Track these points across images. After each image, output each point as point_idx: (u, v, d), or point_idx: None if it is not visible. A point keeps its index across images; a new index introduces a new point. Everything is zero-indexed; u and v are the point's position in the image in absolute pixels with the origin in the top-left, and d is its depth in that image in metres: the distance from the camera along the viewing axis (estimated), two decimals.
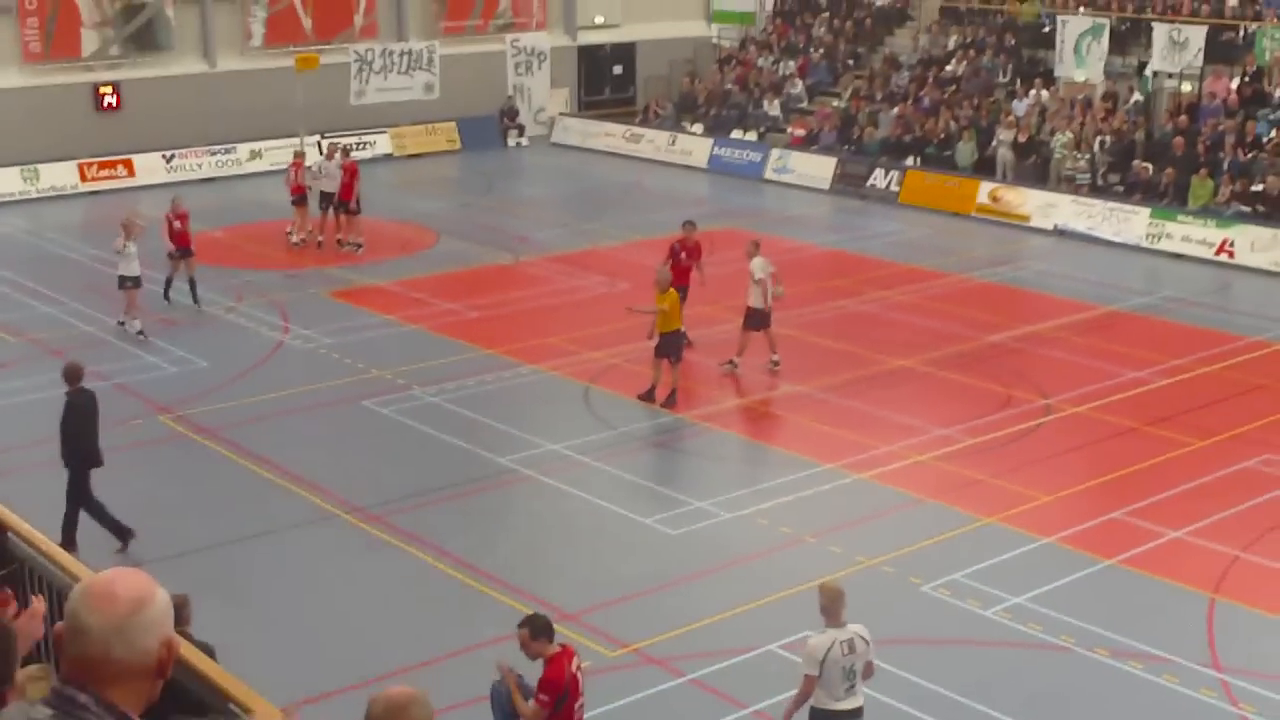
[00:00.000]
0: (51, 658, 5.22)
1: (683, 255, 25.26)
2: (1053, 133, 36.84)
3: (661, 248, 26.20)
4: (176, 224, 27.53)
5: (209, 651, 5.95)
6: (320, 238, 32.67)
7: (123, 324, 26.17)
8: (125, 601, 3.32)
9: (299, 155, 33.22)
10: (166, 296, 27.68)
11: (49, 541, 8.67)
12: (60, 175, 39.33)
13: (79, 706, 3.33)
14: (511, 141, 46.56)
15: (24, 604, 7.88)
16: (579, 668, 11.55)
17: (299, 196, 32.57)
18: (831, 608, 11.83)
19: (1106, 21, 37.91)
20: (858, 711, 11.88)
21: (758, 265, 23.81)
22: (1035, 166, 36.84)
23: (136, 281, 25.88)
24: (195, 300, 27.64)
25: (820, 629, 11.91)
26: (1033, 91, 39.03)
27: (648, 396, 22.47)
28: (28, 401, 22.63)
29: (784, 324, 25.33)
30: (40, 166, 38.97)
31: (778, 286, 23.90)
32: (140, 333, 25.85)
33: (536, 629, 11.41)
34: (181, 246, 27.57)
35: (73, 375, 17.62)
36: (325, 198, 32.57)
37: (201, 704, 4.93)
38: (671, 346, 22.41)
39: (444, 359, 24.81)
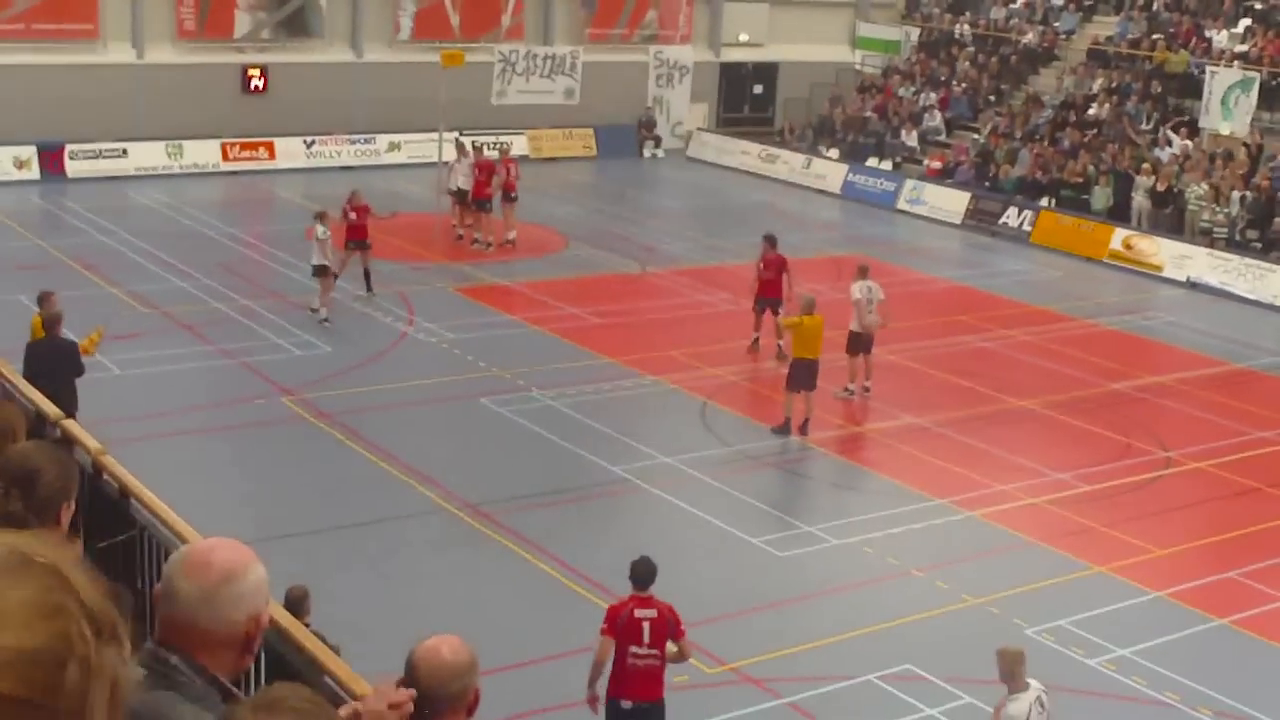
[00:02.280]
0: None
1: (761, 267, 25.84)
2: (1190, 184, 36.33)
3: (792, 269, 26.19)
4: (353, 215, 27.91)
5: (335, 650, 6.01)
6: (472, 233, 33.07)
7: (315, 310, 26.43)
8: (217, 571, 3.36)
9: (480, 151, 33.58)
10: (369, 289, 27.98)
11: (169, 509, 8.87)
12: (203, 153, 40.05)
13: (170, 667, 3.39)
14: (647, 152, 46.76)
15: (145, 571, 8.06)
16: (648, 619, 12.14)
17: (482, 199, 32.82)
18: (1014, 670, 11.84)
19: (1257, 76, 37.35)
20: None
21: (856, 288, 23.78)
22: (1172, 216, 36.35)
23: (326, 270, 26.25)
24: (369, 289, 27.98)
25: (1008, 695, 11.82)
26: (1176, 140, 38.52)
27: (783, 430, 22.15)
28: (155, 373, 23.09)
29: (906, 355, 25.25)
30: (185, 143, 39.73)
31: (873, 314, 23.73)
32: (325, 320, 26.14)
33: (630, 574, 12.41)
34: (358, 239, 27.92)
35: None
36: (459, 194, 32.88)
37: (302, 680, 5.02)
38: (805, 376, 22.12)
39: (564, 363, 24.95)
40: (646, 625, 12.16)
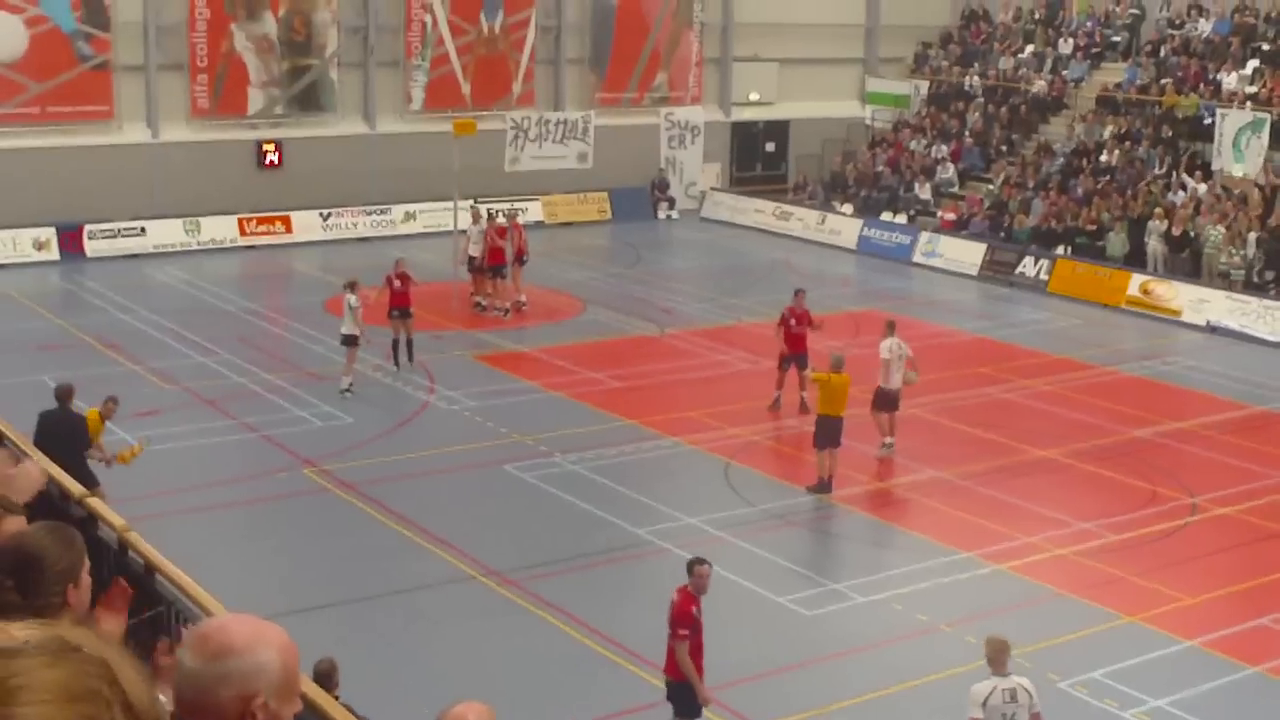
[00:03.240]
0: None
1: (793, 322, 25.66)
2: (1205, 228, 36.33)
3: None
4: (397, 283, 27.96)
5: None
6: (482, 300, 33.13)
7: (345, 391, 26.21)
8: (213, 647, 3.22)
9: (493, 218, 33.62)
10: (395, 362, 27.95)
11: (195, 584, 8.88)
12: (220, 229, 40.29)
13: None
14: (661, 214, 46.93)
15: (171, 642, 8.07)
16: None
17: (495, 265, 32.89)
18: (996, 658, 12.59)
19: (1268, 117, 37.38)
20: None
21: (884, 346, 23.75)
22: (1188, 260, 36.34)
23: (355, 340, 26.21)
24: (410, 359, 27.98)
25: (986, 677, 12.52)
26: (1189, 184, 38.55)
27: (821, 489, 22.05)
28: (179, 449, 23.13)
29: (926, 408, 25.22)
30: (202, 219, 39.99)
31: (911, 372, 23.77)
32: (347, 390, 26.13)
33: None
34: (400, 306, 27.92)
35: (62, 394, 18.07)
36: (471, 261, 32.98)
37: None
38: (830, 434, 22.03)
39: (586, 427, 24.97)
40: (671, 608, 13.94)
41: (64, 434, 17.20)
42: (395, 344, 28.05)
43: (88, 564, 4.59)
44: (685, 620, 13.75)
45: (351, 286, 26.37)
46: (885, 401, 23.71)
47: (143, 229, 39.33)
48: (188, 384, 26.83)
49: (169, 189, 39.81)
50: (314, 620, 16.67)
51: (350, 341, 26.28)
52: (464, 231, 33.51)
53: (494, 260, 32.76)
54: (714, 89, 49.74)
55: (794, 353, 25.67)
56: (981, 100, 47.59)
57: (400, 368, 27.93)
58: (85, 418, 18.31)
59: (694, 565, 14.10)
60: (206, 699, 3.18)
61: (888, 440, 23.75)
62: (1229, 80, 41.37)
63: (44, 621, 2.28)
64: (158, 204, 39.68)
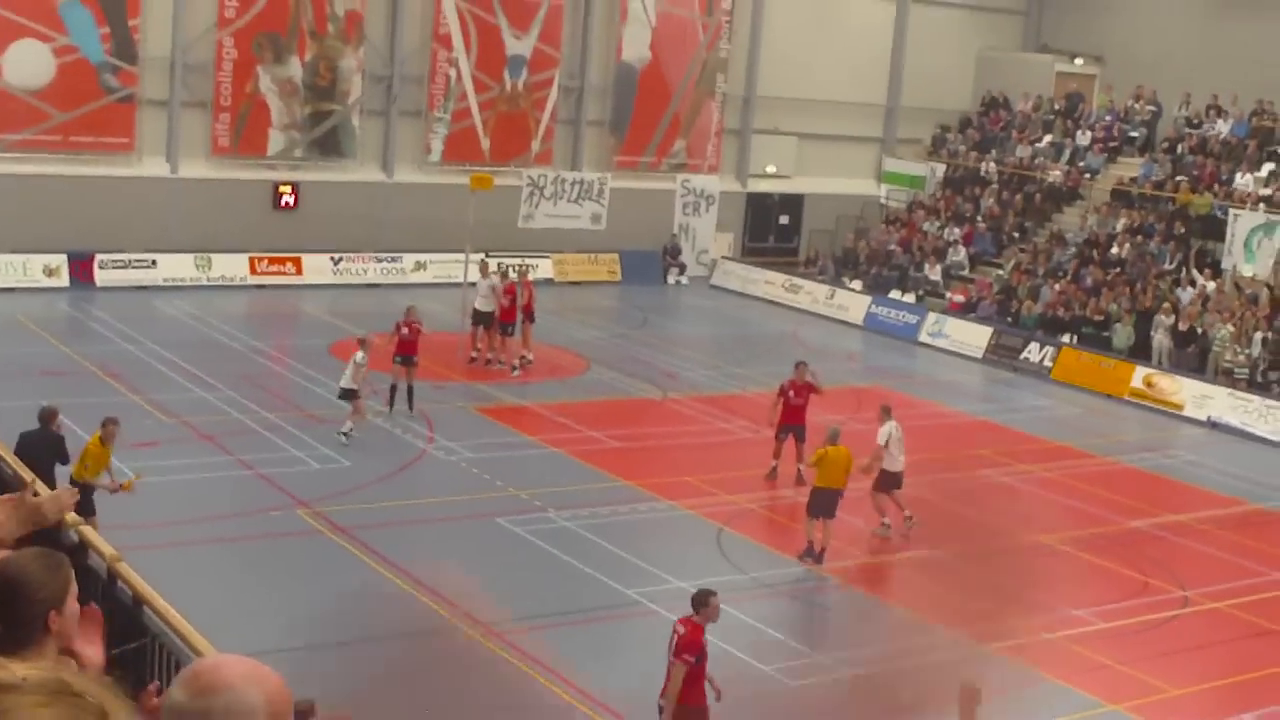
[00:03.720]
0: None
1: (791, 394, 25.67)
2: (1214, 325, 36.41)
3: (811, 399, 26.19)
4: (405, 331, 28.06)
5: None
6: (489, 355, 33.03)
7: (345, 435, 25.89)
8: (201, 684, 3.20)
9: (505, 275, 33.57)
10: (390, 405, 27.93)
11: (181, 618, 8.89)
12: (231, 266, 40.43)
13: None
14: (671, 279, 47.06)
15: (159, 679, 8.06)
16: (676, 634, 14.83)
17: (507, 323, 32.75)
18: (965, 706, 13.61)
19: None
20: None
21: (882, 432, 23.57)
22: (1194, 356, 36.40)
23: (355, 394, 26.11)
24: (410, 407, 28.00)
25: None
26: (1198, 281, 38.66)
27: (810, 557, 22.04)
28: (174, 482, 23.13)
29: (924, 488, 25.17)
30: (214, 256, 40.14)
31: (901, 455, 23.64)
32: (345, 434, 25.85)
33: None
34: (405, 354, 28.02)
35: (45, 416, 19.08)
36: (480, 316, 32.91)
37: None
38: (824, 505, 22.06)
39: (582, 485, 24.95)
40: (674, 638, 14.78)
41: (41, 452, 18.03)
42: (393, 389, 28.03)
43: (75, 590, 4.51)
44: (694, 649, 14.56)
45: (362, 343, 26.31)
46: (888, 482, 23.63)
47: (154, 261, 39.46)
48: (187, 418, 26.86)
49: (184, 224, 39.97)
50: (297, 660, 16.59)
51: (349, 395, 26.14)
52: (473, 284, 33.52)
53: (505, 318, 32.71)
54: (732, 159, 49.99)
55: (792, 424, 25.73)
56: (996, 186, 47.80)
57: (394, 410, 27.88)
58: (62, 438, 19.07)
59: (708, 597, 14.88)
60: None
61: (885, 521, 23.69)
62: (1243, 181, 41.54)
63: (51, 666, 2.30)
64: (171, 238, 39.82)
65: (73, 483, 18.91)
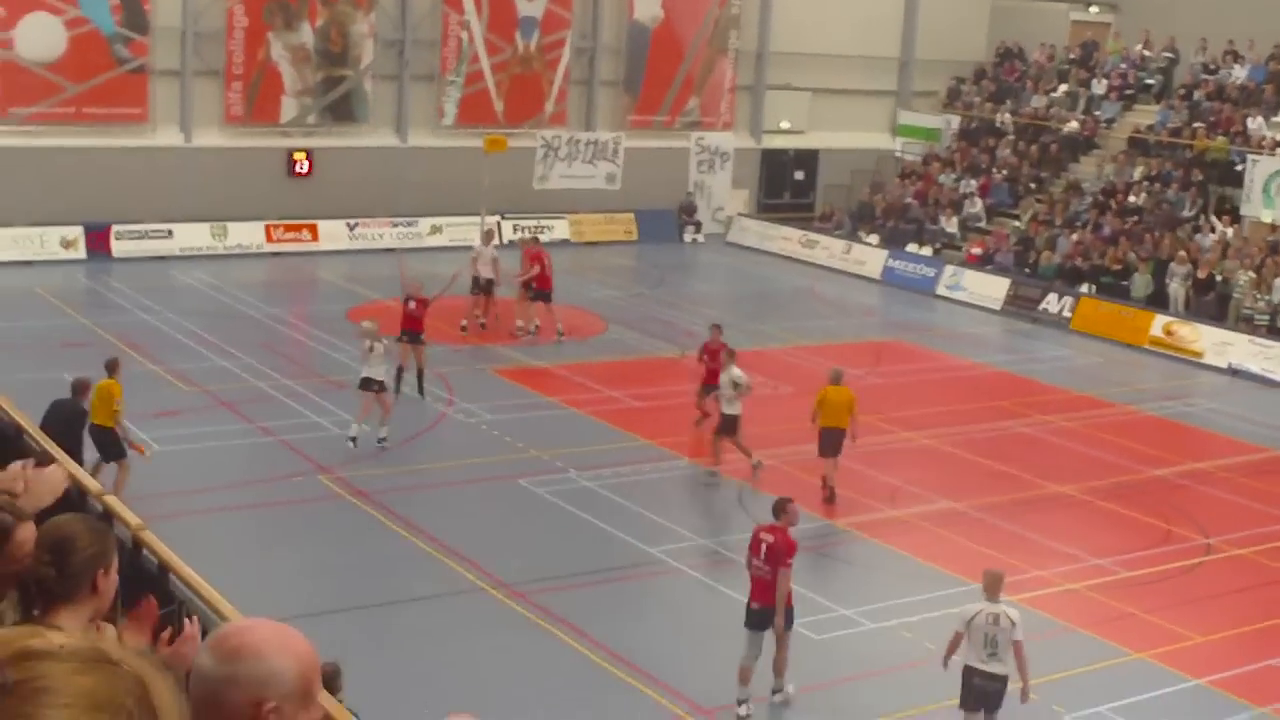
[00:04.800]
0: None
1: (704, 358, 25.89)
2: (1234, 271, 36.26)
3: (829, 353, 26.19)
4: (412, 305, 26.81)
5: None
6: (465, 321, 32.37)
7: (354, 440, 23.72)
8: (228, 648, 3.19)
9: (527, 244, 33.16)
10: (396, 389, 26.06)
11: (206, 584, 8.93)
12: (247, 234, 40.46)
13: None
14: (688, 237, 46.99)
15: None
16: (767, 542, 15.73)
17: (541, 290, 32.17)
18: (991, 586, 14.48)
19: None
20: (997, 677, 14.39)
21: (725, 379, 23.87)
22: (1212, 303, 36.26)
23: (382, 385, 24.00)
24: (420, 392, 26.87)
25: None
26: (1217, 228, 38.49)
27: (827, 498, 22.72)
28: (195, 450, 23.23)
29: (945, 440, 25.17)
30: (229, 224, 40.16)
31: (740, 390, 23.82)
32: (382, 440, 24.02)
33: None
34: (411, 330, 26.76)
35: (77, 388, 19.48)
36: (482, 282, 32.38)
37: None
38: (832, 443, 22.68)
39: (603, 445, 24.99)
40: (764, 546, 15.63)
41: (68, 422, 18.47)
42: (400, 372, 26.70)
43: (115, 561, 4.76)
44: (792, 550, 15.64)
45: (371, 335, 23.99)
46: (725, 426, 23.87)
47: (170, 231, 39.51)
48: (207, 386, 26.92)
49: (199, 193, 39.97)
50: (321, 624, 16.67)
51: (368, 385, 23.77)
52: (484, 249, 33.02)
53: (542, 285, 32.13)
54: (746, 115, 49.82)
55: (710, 384, 25.56)
56: (1012, 137, 47.59)
57: (401, 394, 26.25)
58: (87, 412, 19.43)
59: (786, 503, 15.95)
60: (215, 699, 3.15)
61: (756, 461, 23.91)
62: (1261, 126, 41.30)
63: (88, 634, 2.30)
64: (186, 208, 39.84)
65: (103, 430, 19.64)
